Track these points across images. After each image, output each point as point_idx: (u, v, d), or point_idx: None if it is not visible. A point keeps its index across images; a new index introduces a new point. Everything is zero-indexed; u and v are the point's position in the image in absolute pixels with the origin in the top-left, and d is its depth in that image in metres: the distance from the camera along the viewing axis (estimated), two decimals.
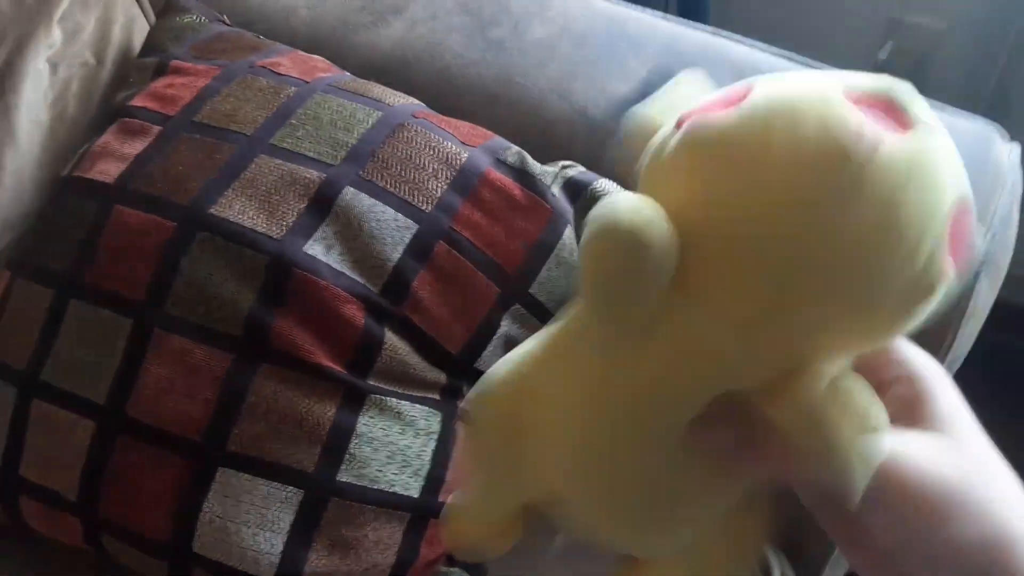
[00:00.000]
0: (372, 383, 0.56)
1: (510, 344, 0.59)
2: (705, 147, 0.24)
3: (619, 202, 0.23)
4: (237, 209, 0.57)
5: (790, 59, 0.72)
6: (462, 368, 0.59)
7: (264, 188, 0.58)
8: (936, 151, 0.23)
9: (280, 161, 0.59)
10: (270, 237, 0.56)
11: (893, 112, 0.23)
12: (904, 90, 0.24)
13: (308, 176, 0.58)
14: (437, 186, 0.59)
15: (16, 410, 0.57)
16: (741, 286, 0.23)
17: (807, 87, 0.23)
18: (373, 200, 0.58)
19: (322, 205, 0.57)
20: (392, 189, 0.59)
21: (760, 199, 0.22)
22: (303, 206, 0.57)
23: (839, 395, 0.23)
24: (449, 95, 0.73)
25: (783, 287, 0.23)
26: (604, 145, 0.69)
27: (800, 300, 0.23)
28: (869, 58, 1.45)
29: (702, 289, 0.24)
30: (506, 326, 0.59)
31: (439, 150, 0.61)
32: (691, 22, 0.76)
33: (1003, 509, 0.27)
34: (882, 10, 1.43)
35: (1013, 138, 0.66)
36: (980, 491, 0.27)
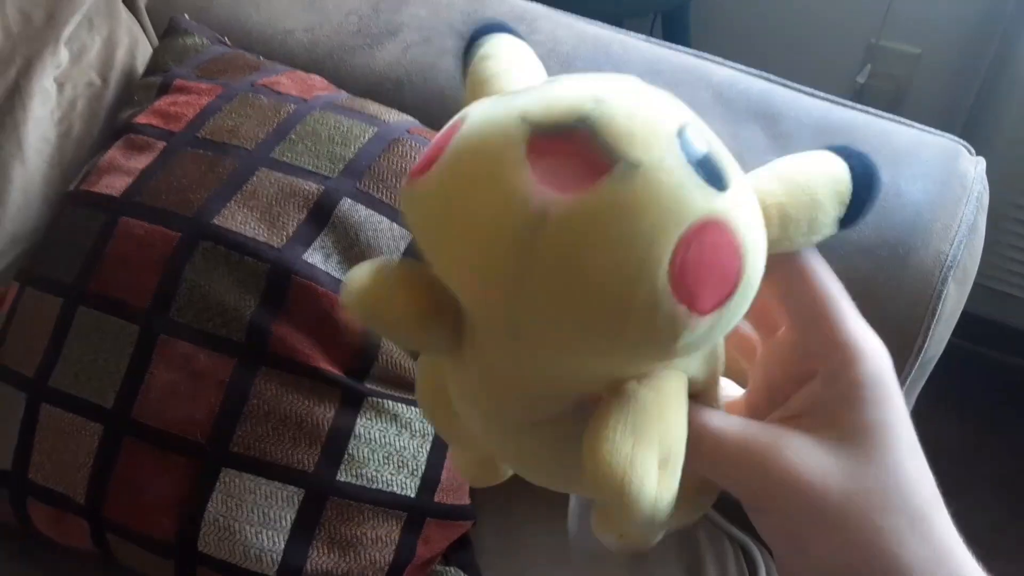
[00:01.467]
0: (369, 386, 0.58)
1: None
2: (408, 213, 0.24)
3: (354, 274, 0.25)
4: (239, 220, 0.60)
5: (768, 80, 0.76)
6: None
7: (265, 200, 0.61)
8: (634, 195, 0.20)
9: (280, 174, 0.62)
10: (271, 246, 0.59)
11: (590, 151, 0.21)
12: (606, 118, 0.21)
13: (307, 188, 0.61)
14: None
15: (25, 415, 0.59)
16: (482, 332, 0.24)
17: (492, 140, 0.21)
18: (370, 211, 0.60)
19: (321, 216, 0.60)
20: (388, 200, 0.61)
21: (455, 268, 0.22)
22: (303, 217, 0.60)
23: (626, 418, 0.23)
24: (442, 114, 0.75)
25: (513, 338, 0.23)
26: None
27: (533, 348, 0.23)
28: (848, 81, 1.50)
29: (470, 329, 0.24)
30: None
31: None
32: (673, 45, 0.80)
33: (899, 538, 0.25)
34: (861, 35, 1.48)
35: (988, 156, 0.69)
36: (873, 514, 0.25)
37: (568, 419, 0.25)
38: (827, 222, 0.26)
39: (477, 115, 0.23)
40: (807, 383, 0.27)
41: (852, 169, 0.26)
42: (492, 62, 0.28)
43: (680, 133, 0.21)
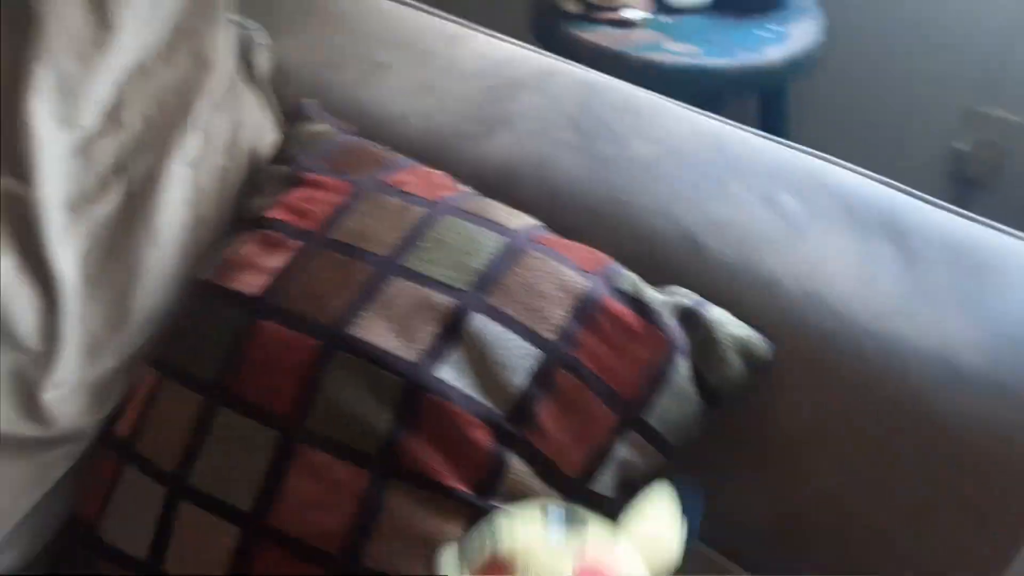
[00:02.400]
0: (496, 504, 0.60)
1: (625, 468, 0.62)
2: None
3: None
4: (375, 331, 0.61)
5: (894, 188, 0.75)
6: (576, 489, 0.62)
7: (399, 311, 0.62)
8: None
9: (413, 284, 0.63)
10: (405, 360, 0.60)
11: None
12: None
13: (440, 301, 0.62)
14: (558, 314, 0.63)
15: (164, 509, 0.62)
16: None
17: None
18: (501, 328, 0.62)
19: (453, 330, 0.61)
20: (517, 317, 0.62)
21: None
22: (435, 330, 0.62)
23: None
24: (556, 212, 0.76)
25: None
26: (709, 270, 0.72)
27: None
28: (944, 149, 1.47)
29: None
30: (622, 451, 0.62)
31: (559, 278, 0.64)
32: (795, 146, 0.79)
33: None
34: (961, 101, 1.45)
35: None
36: None
37: None
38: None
39: None
40: None
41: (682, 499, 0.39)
42: None
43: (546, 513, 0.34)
